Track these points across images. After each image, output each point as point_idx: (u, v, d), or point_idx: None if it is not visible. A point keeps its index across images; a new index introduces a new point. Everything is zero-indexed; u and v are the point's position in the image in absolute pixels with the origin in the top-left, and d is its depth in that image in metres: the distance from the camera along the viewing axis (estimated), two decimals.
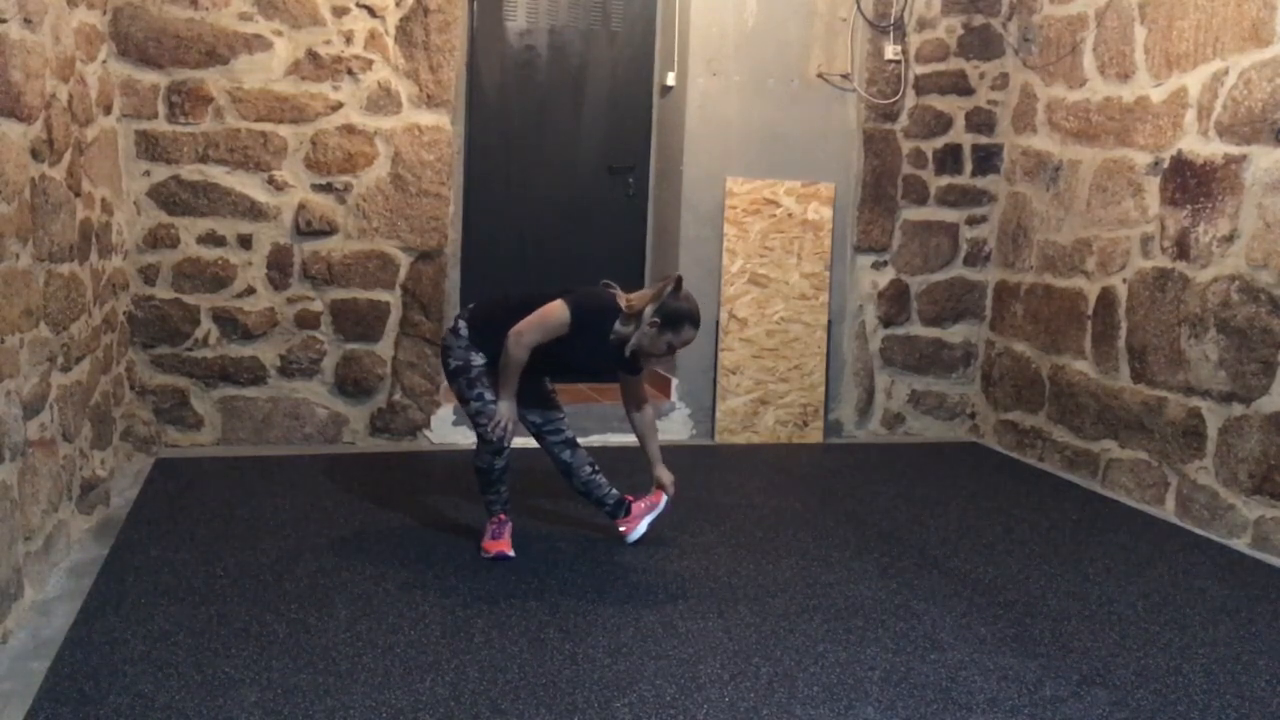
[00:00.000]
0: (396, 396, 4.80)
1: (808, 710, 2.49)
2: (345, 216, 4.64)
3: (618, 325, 3.34)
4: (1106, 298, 4.60)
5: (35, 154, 2.99)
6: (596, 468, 3.61)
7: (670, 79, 5.22)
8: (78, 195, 3.48)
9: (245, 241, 4.55)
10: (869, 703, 2.54)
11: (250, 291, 4.59)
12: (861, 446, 5.26)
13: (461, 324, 3.42)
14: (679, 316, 3.31)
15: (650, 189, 5.55)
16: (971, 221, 5.42)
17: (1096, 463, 4.66)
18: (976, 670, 2.73)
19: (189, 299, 4.53)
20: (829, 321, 5.26)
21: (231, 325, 4.58)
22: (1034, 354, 5.10)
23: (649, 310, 3.30)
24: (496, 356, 3.33)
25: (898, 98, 5.20)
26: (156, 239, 4.47)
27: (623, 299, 3.36)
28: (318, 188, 4.59)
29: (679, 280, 3.33)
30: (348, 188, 4.62)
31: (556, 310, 3.27)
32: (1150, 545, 3.85)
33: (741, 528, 3.85)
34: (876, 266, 5.34)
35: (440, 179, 4.71)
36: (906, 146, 5.27)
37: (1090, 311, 4.70)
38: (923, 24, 5.20)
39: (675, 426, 5.16)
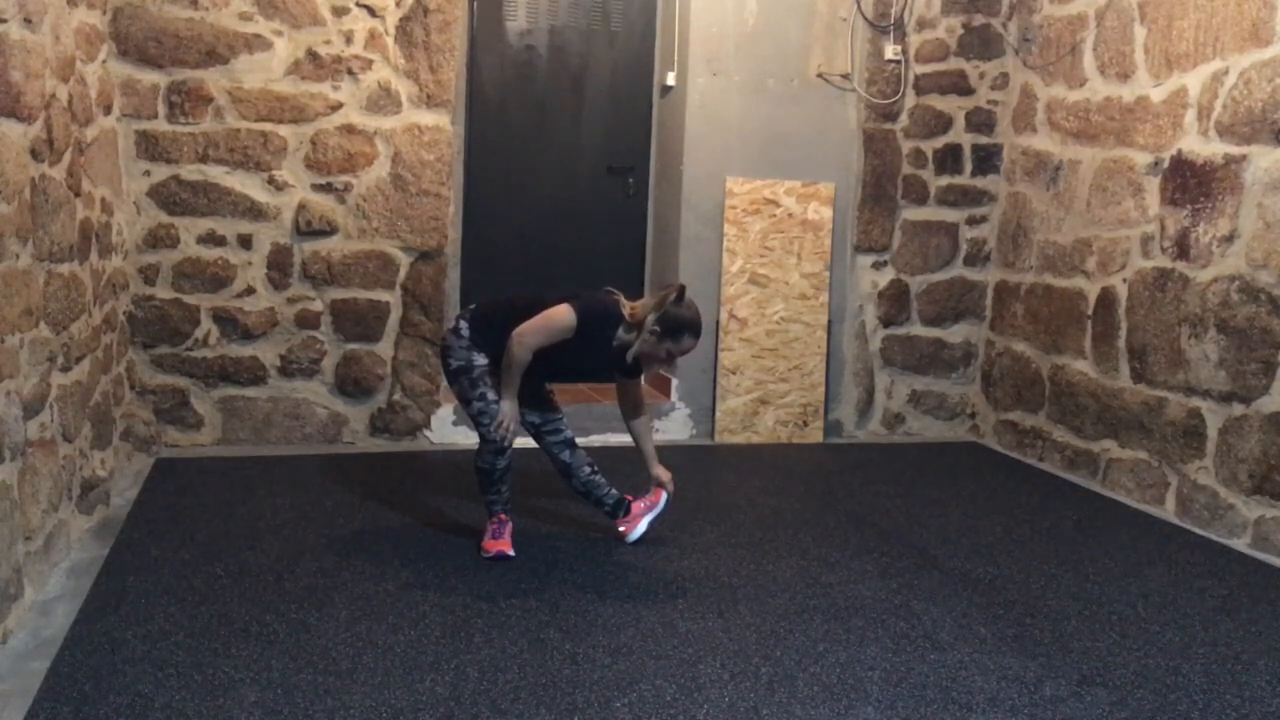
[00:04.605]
0: (396, 396, 4.80)
1: (808, 710, 2.49)
2: (345, 216, 4.64)
3: (620, 332, 3.35)
4: (1106, 298, 4.60)
5: (35, 154, 2.99)
6: (596, 468, 3.61)
7: (670, 79, 5.22)
8: (78, 195, 3.48)
9: (245, 241, 4.55)
10: (869, 703, 2.54)
11: (250, 291, 4.59)
12: (861, 446, 5.26)
13: (463, 324, 3.42)
14: (680, 325, 3.32)
15: (650, 189, 5.55)
16: (971, 221, 5.42)
17: (1096, 463, 4.66)
18: (976, 670, 2.74)
19: (189, 299, 4.53)
20: (829, 321, 5.27)
21: (231, 325, 4.58)
22: (1034, 354, 5.10)
23: (651, 318, 3.31)
24: (498, 357, 3.33)
25: (898, 98, 5.20)
26: (156, 239, 4.47)
27: (626, 306, 3.37)
28: (318, 188, 4.59)
29: (682, 289, 3.34)
30: (348, 188, 4.62)
31: (562, 314, 3.28)
32: (1150, 545, 3.85)
33: (741, 528, 3.85)
34: (876, 266, 5.34)
35: (440, 179, 4.71)
36: (906, 146, 5.27)
37: (1090, 311, 4.70)
38: (923, 24, 5.20)
39: (675, 426, 5.16)
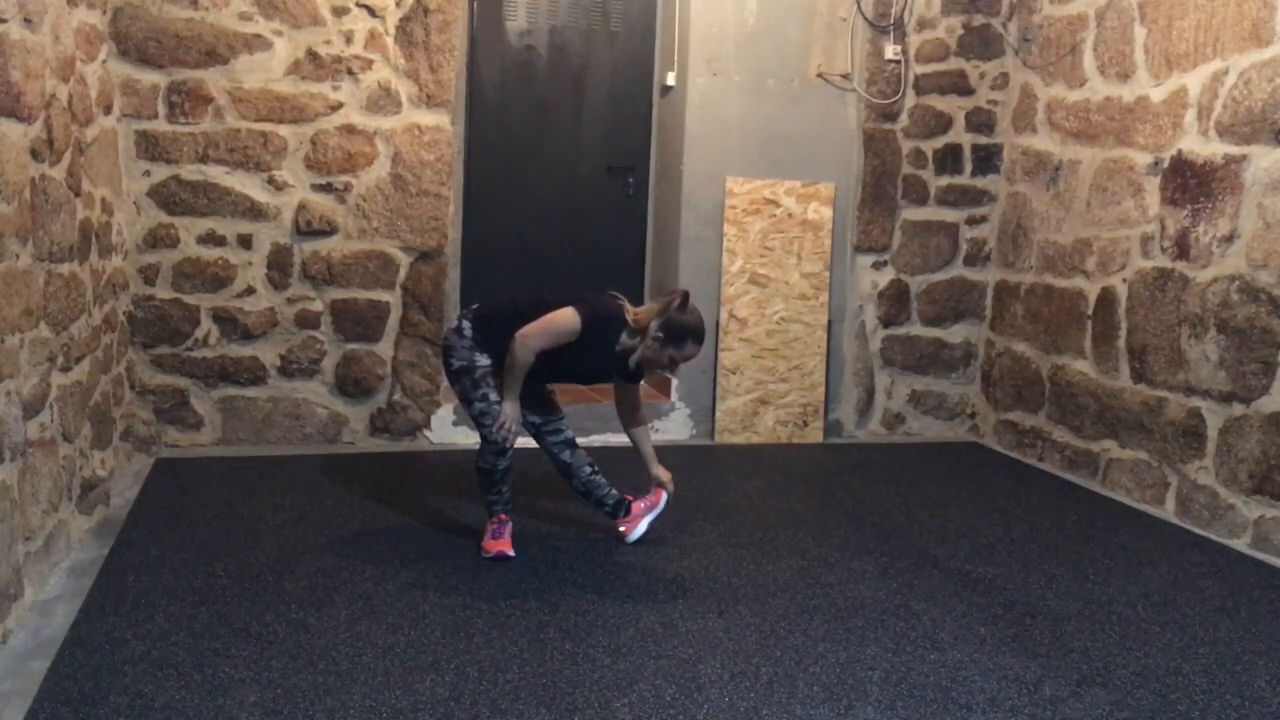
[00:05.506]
0: (396, 396, 4.80)
1: (808, 710, 2.49)
2: (345, 216, 4.64)
3: (624, 338, 3.36)
4: (1106, 298, 4.60)
5: (35, 154, 2.99)
6: (596, 468, 3.61)
7: (670, 79, 5.22)
8: (78, 195, 3.48)
9: (245, 241, 4.55)
10: (869, 703, 2.54)
11: (250, 291, 4.59)
12: (861, 446, 5.26)
13: (465, 324, 3.41)
14: (683, 331, 3.32)
15: (650, 189, 5.55)
16: (971, 221, 5.42)
17: (1096, 463, 4.66)
18: (976, 670, 2.74)
19: (189, 299, 4.53)
20: (829, 321, 5.27)
21: (231, 325, 4.58)
22: (1034, 354, 5.10)
23: (654, 324, 3.31)
24: (500, 358, 3.33)
25: (898, 98, 5.20)
26: (156, 239, 4.47)
27: (629, 312, 3.37)
28: (318, 188, 4.59)
29: (685, 295, 3.34)
30: (348, 188, 4.62)
31: (567, 317, 3.28)
32: (1150, 545, 3.85)
33: (741, 528, 3.85)
34: (876, 266, 5.34)
35: (440, 179, 4.71)
36: (906, 146, 5.27)
37: (1090, 311, 4.70)
38: (923, 24, 5.20)
39: (675, 426, 5.16)
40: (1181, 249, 4.18)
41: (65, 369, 3.28)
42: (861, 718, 2.46)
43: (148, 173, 4.43)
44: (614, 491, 3.62)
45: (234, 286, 4.57)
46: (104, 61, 4.13)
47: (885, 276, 5.36)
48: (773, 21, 5.05)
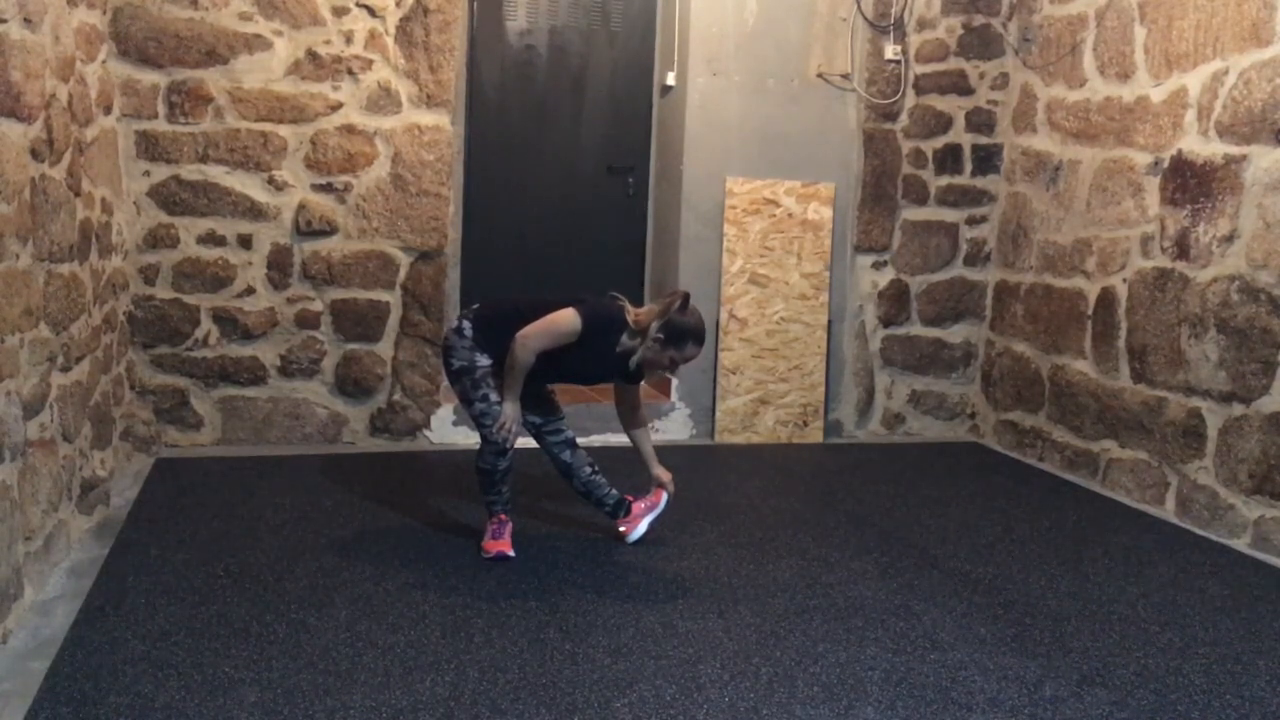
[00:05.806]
0: (396, 396, 4.80)
1: (808, 710, 2.49)
2: (345, 216, 4.64)
3: (624, 339, 3.36)
4: (1106, 298, 4.60)
5: (35, 154, 2.99)
6: (596, 468, 3.61)
7: (670, 79, 5.22)
8: (78, 195, 3.48)
9: (245, 241, 4.55)
10: (869, 703, 2.54)
11: (250, 291, 4.59)
12: (861, 446, 5.26)
13: (466, 324, 3.41)
14: (683, 333, 3.33)
15: (650, 189, 5.55)
16: (971, 221, 5.42)
17: (1096, 463, 4.66)
18: (976, 670, 2.74)
19: (189, 299, 4.53)
20: (829, 321, 5.27)
21: (231, 325, 4.58)
22: (1034, 354, 5.10)
23: (654, 325, 3.31)
24: (501, 358, 3.33)
25: (898, 98, 5.20)
26: (156, 239, 4.47)
27: (630, 313, 3.37)
28: (318, 188, 4.59)
29: (686, 296, 3.34)
30: (348, 188, 4.62)
31: (567, 318, 3.28)
32: (1150, 545, 3.85)
33: (741, 528, 3.85)
34: (876, 266, 5.34)
35: (440, 179, 4.71)
36: (906, 146, 5.27)
37: (1090, 311, 4.70)
38: (923, 24, 5.20)
39: (675, 426, 5.16)
40: (1181, 249, 4.18)
41: (65, 369, 3.28)
42: (861, 718, 2.47)
43: (148, 173, 4.43)
44: (614, 491, 3.62)
45: (234, 286, 4.57)
46: (104, 61, 4.13)
47: (885, 276, 5.36)
48: (773, 21, 5.05)
